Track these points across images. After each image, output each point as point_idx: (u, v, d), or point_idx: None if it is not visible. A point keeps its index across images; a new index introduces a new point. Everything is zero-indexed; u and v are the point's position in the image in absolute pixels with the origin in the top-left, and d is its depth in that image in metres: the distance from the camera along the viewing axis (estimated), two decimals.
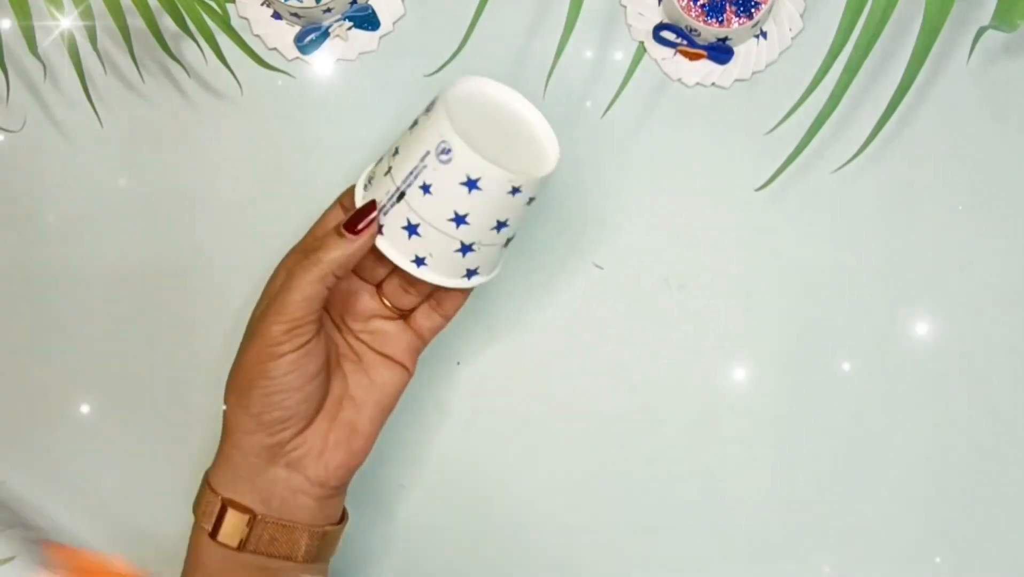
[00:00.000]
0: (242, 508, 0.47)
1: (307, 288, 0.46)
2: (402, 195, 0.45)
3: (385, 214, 0.46)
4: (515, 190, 0.45)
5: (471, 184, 0.44)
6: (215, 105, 0.59)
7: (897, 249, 0.58)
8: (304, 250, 0.48)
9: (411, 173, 0.45)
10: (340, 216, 0.49)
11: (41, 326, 0.59)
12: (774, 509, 0.57)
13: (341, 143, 0.59)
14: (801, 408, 0.57)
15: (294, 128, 0.59)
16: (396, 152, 0.46)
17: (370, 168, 0.49)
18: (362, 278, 0.51)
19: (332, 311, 0.51)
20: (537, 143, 0.48)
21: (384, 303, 0.51)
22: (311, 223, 0.58)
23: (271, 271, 0.58)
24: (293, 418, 0.47)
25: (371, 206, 0.46)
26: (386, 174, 0.46)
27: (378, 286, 0.51)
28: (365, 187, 0.48)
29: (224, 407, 0.48)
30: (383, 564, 0.57)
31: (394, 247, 0.46)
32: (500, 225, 0.46)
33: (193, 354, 0.59)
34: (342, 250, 0.46)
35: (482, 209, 0.45)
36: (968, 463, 0.57)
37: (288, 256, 0.49)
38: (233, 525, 0.47)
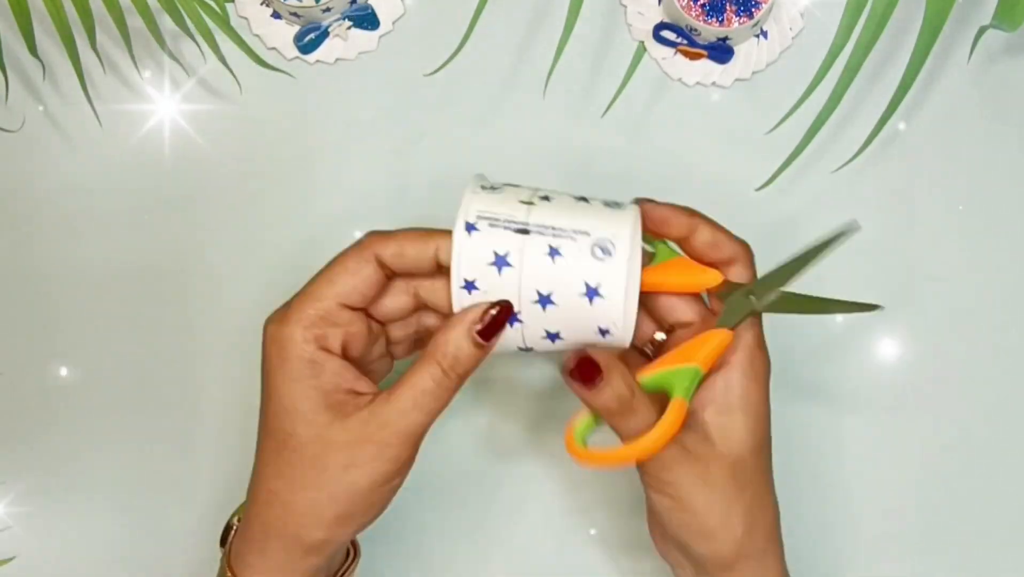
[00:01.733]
0: None
1: (444, 406, 0.43)
2: (526, 232, 0.42)
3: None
4: (604, 332, 0.42)
5: (591, 293, 0.41)
6: (214, 105, 0.59)
7: (897, 249, 0.58)
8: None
9: (552, 229, 0.42)
10: (353, 274, 0.43)
11: (41, 326, 0.59)
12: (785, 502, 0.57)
13: (341, 143, 0.59)
14: (801, 407, 0.57)
15: (294, 128, 0.59)
16: (547, 198, 0.43)
17: (482, 201, 0.43)
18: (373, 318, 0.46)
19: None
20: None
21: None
22: (311, 223, 0.59)
23: (271, 271, 0.58)
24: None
25: (507, 309, 0.42)
26: (523, 203, 0.43)
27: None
28: (483, 188, 0.44)
29: (273, 530, 0.44)
30: (383, 564, 0.57)
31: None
32: (552, 336, 0.44)
33: (193, 354, 0.59)
34: (478, 360, 0.43)
35: (571, 315, 0.42)
36: (967, 457, 0.57)
37: (275, 319, 0.44)
38: None
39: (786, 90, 0.57)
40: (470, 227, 0.42)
